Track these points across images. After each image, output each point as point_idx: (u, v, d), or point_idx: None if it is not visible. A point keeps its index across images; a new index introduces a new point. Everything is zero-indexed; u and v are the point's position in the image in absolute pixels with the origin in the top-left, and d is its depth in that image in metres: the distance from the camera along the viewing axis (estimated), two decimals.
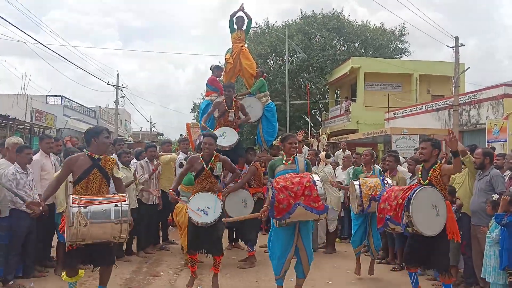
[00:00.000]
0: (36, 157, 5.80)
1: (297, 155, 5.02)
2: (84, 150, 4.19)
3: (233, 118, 6.80)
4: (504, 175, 5.41)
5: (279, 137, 5.21)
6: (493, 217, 4.68)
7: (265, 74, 7.90)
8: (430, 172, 4.32)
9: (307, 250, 4.70)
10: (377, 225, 4.59)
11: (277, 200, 4.32)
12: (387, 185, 5.38)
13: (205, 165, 5.09)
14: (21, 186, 5.14)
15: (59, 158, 6.53)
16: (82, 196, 3.88)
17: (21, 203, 5.03)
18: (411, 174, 6.25)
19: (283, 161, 4.78)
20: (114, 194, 4.07)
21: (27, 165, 5.35)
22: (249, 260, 6.41)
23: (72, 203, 3.72)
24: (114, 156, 7.52)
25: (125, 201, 3.89)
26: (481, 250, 4.93)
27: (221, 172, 5.33)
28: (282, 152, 4.94)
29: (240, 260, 6.55)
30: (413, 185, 4.36)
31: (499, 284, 4.62)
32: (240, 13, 7.70)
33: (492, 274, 4.65)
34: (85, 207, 3.71)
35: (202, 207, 4.86)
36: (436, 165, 4.34)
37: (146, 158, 7.14)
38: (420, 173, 4.48)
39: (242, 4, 7.70)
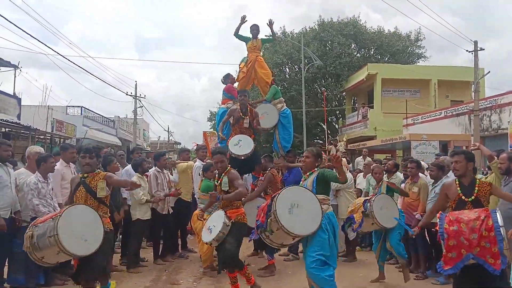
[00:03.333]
0: (56, 166, 5.87)
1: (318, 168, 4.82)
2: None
3: (248, 125, 6.78)
4: None
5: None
6: None
7: (273, 79, 7.91)
8: (476, 188, 3.91)
9: None
10: (445, 266, 3.65)
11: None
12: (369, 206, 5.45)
13: (216, 182, 5.12)
14: (42, 195, 5.20)
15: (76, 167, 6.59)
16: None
17: (42, 212, 5.09)
18: (433, 180, 6.13)
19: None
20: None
21: (48, 174, 5.42)
22: (268, 269, 6.33)
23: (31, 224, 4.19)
24: (128, 166, 7.50)
25: (61, 213, 3.97)
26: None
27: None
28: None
29: (259, 268, 6.48)
30: (482, 211, 3.66)
31: None
32: (254, 23, 7.76)
33: None
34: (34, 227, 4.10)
35: (210, 226, 4.87)
36: (478, 181, 3.96)
37: (157, 167, 7.05)
38: (459, 189, 4.00)
39: (244, 16, 7.78)
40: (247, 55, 7.79)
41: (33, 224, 4.14)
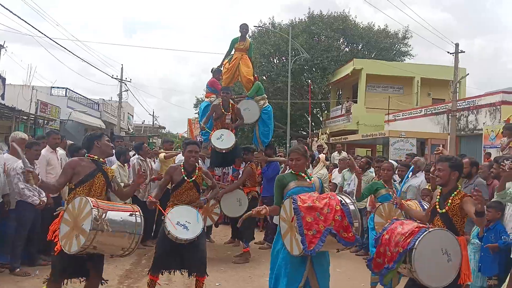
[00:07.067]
0: (42, 152, 6.06)
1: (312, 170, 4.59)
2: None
3: (229, 121, 7.06)
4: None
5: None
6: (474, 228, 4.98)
7: (256, 76, 8.14)
8: (450, 200, 3.50)
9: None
10: (374, 269, 3.60)
11: (304, 226, 3.40)
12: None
13: (185, 177, 4.54)
14: None
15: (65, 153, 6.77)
16: (99, 200, 3.58)
17: (27, 196, 5.32)
18: (400, 179, 6.50)
19: (296, 177, 3.87)
20: (125, 202, 4.07)
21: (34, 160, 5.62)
22: (243, 256, 6.69)
23: (92, 206, 3.36)
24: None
25: (138, 211, 3.65)
26: None
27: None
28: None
29: (235, 255, 6.84)
30: (416, 227, 3.44)
31: (477, 286, 4.89)
32: (244, 23, 7.97)
33: (472, 277, 4.92)
34: (104, 213, 3.38)
35: (182, 222, 4.35)
36: (455, 192, 3.51)
37: (140, 156, 7.33)
38: (438, 198, 3.66)
39: None
40: (234, 53, 8.00)
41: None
